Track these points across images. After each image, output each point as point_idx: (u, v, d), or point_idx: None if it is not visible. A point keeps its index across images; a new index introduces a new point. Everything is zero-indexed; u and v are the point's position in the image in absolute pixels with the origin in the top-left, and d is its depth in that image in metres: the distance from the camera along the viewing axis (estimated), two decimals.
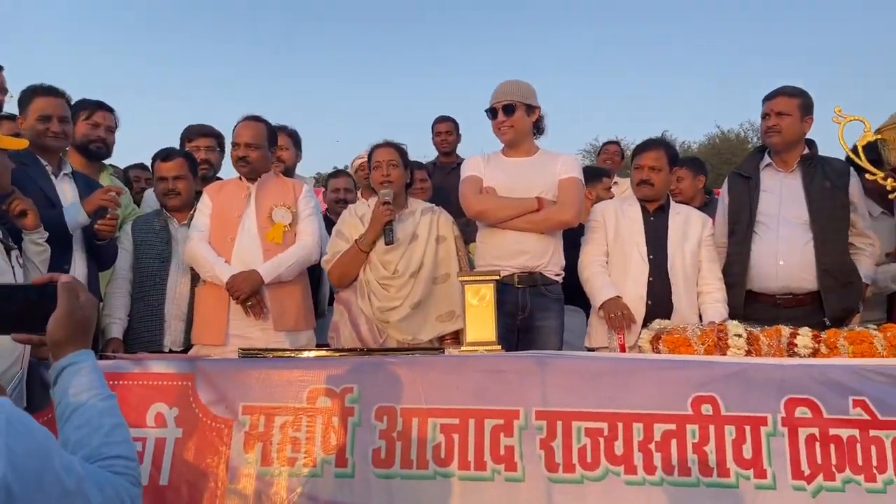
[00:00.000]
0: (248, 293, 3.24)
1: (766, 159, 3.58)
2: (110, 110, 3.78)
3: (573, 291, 3.53)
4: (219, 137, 4.24)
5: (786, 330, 2.71)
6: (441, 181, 5.22)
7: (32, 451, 0.92)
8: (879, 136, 2.83)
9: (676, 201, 4.18)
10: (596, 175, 4.59)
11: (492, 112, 3.41)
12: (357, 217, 3.42)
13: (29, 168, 3.00)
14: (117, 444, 1.15)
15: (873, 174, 2.92)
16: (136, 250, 3.54)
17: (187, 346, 3.42)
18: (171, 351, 3.41)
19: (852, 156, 2.87)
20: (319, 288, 4.01)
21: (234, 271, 3.26)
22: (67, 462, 0.99)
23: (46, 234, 2.77)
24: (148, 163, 4.23)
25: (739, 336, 2.69)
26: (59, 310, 1.22)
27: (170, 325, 3.46)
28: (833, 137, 3.04)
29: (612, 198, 4.33)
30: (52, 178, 3.16)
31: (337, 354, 2.73)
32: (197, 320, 3.38)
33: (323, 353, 2.75)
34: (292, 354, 2.71)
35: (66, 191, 3.18)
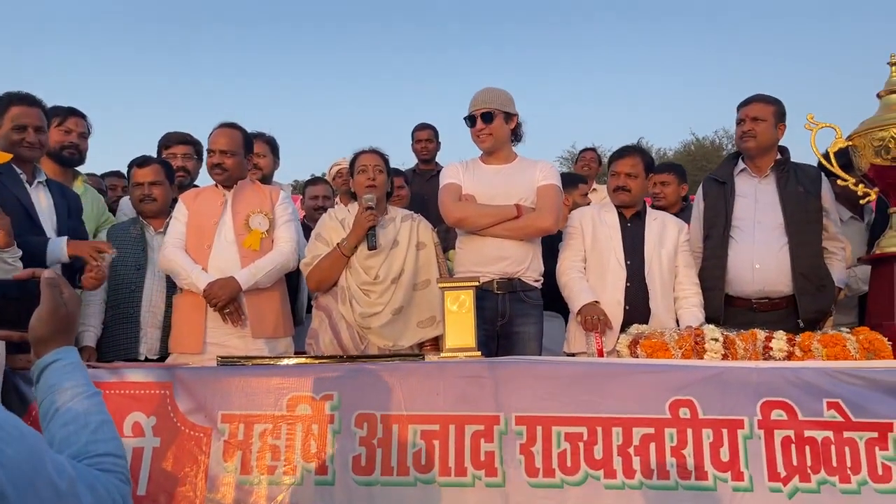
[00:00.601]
0: (226, 300, 3.21)
1: (741, 165, 3.64)
2: (82, 116, 3.74)
3: (551, 297, 3.55)
4: (196, 145, 4.21)
5: (761, 334, 2.76)
6: (420, 188, 5.24)
7: (24, 454, 0.90)
8: (850, 143, 2.88)
9: (659, 206, 4.24)
10: (572, 182, 4.62)
11: (470, 120, 3.43)
12: (337, 221, 3.40)
13: (3, 176, 2.95)
14: (105, 441, 1.13)
15: (845, 180, 2.97)
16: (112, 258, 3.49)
17: (163, 355, 3.39)
18: (146, 359, 3.37)
19: (824, 162, 2.93)
20: (297, 295, 3.99)
21: (212, 279, 3.23)
22: (58, 463, 0.97)
23: (20, 253, 2.71)
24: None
25: (716, 340, 2.72)
26: (42, 306, 1.19)
27: (146, 332, 3.42)
28: (804, 145, 3.11)
29: (588, 204, 4.36)
30: (27, 186, 3.11)
31: (317, 361, 2.72)
32: (174, 329, 3.35)
33: (303, 360, 2.74)
34: (272, 362, 2.70)
35: (42, 199, 3.14)
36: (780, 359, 2.68)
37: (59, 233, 3.10)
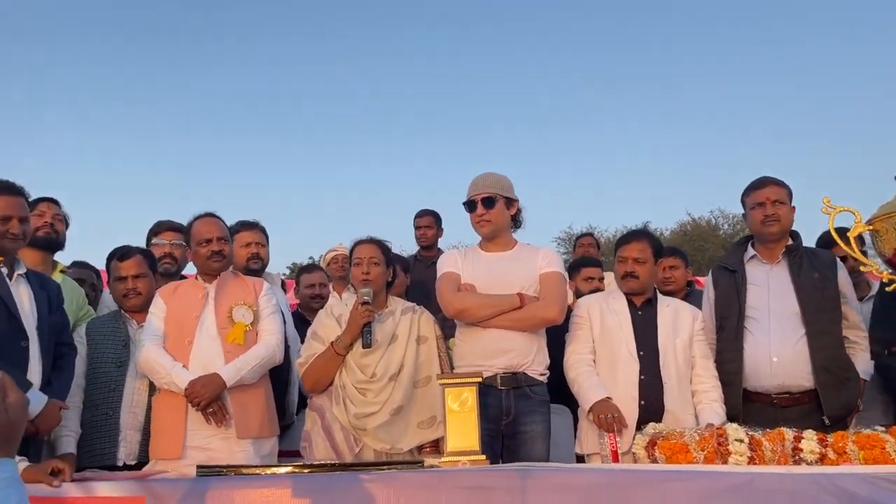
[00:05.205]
0: (210, 399, 3.01)
1: (751, 251, 3.50)
2: (54, 202, 3.70)
3: (558, 389, 3.34)
4: (187, 234, 4.09)
5: (789, 433, 2.58)
6: (421, 275, 5.14)
7: None
8: (871, 227, 2.75)
9: (668, 290, 4.08)
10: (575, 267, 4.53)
11: (470, 205, 3.32)
12: (334, 318, 3.27)
13: None
14: None
15: (867, 265, 2.82)
16: (90, 354, 3.30)
17: (143, 460, 3.15)
18: (125, 465, 3.14)
19: (844, 247, 2.78)
20: (288, 389, 3.78)
21: (194, 376, 3.05)
22: None
23: None
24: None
25: (741, 441, 2.54)
26: None
27: (125, 436, 3.19)
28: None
29: (597, 290, 4.22)
30: (7, 281, 2.94)
31: (306, 470, 2.49)
32: (153, 432, 3.13)
33: (290, 468, 2.50)
34: (257, 471, 2.46)
35: (22, 294, 2.96)
36: (811, 462, 2.49)
37: (40, 330, 2.93)
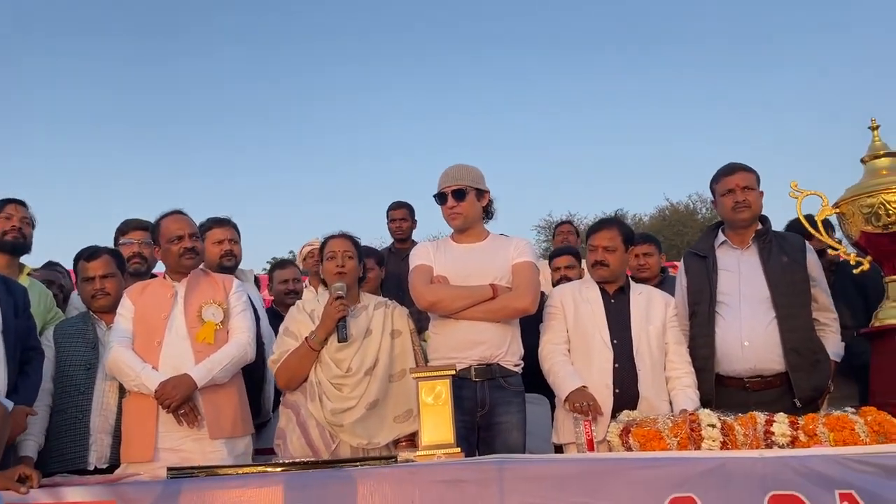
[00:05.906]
0: (180, 400, 2.97)
1: (721, 237, 3.51)
2: (22, 204, 3.63)
3: (534, 379, 3.34)
4: (155, 232, 4.04)
5: (761, 417, 2.59)
6: (396, 268, 5.10)
7: None
8: (838, 210, 2.77)
9: (642, 277, 4.08)
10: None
11: (440, 197, 3.30)
12: (306, 313, 3.25)
13: None
14: None
15: (836, 248, 2.85)
16: (58, 357, 3.25)
17: (115, 463, 3.10)
18: (96, 469, 3.08)
19: (811, 230, 2.80)
20: (263, 387, 3.75)
21: (164, 377, 3.00)
22: None
23: None
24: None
25: (713, 426, 2.55)
26: None
27: (95, 439, 3.14)
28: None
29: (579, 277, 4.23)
30: None
31: (279, 469, 2.47)
32: (124, 435, 3.08)
33: (261, 467, 2.48)
34: (229, 471, 2.44)
35: None
36: (783, 444, 2.51)
37: (6, 334, 2.87)
